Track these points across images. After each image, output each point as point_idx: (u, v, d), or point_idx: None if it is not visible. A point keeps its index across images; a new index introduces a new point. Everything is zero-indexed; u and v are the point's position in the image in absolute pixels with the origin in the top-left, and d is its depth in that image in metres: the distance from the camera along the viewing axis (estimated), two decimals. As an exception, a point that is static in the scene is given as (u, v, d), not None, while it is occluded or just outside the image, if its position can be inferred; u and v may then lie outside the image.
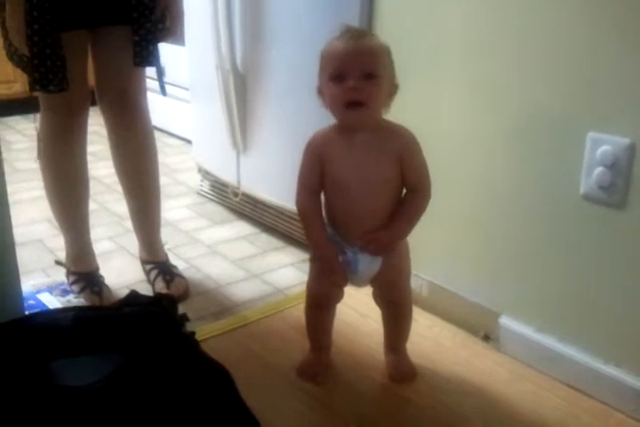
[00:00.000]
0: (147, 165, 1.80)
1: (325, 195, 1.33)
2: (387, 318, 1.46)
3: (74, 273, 1.81)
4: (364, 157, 1.27)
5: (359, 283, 1.39)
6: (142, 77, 1.71)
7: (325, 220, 1.35)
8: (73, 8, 1.54)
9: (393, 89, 1.27)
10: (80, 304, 1.69)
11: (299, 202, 1.34)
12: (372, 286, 1.41)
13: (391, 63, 1.26)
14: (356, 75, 1.20)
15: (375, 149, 1.27)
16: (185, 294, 1.80)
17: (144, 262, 1.90)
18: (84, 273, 1.80)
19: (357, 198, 1.29)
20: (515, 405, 1.38)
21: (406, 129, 1.29)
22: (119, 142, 1.76)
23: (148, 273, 1.87)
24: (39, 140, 1.68)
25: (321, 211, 1.34)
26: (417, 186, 1.31)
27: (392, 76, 1.27)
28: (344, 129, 1.28)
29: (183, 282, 1.84)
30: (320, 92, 1.28)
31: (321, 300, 1.42)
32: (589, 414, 1.35)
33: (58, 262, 1.88)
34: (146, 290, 1.78)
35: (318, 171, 1.30)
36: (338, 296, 1.42)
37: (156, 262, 1.86)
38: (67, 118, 1.64)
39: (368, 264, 1.33)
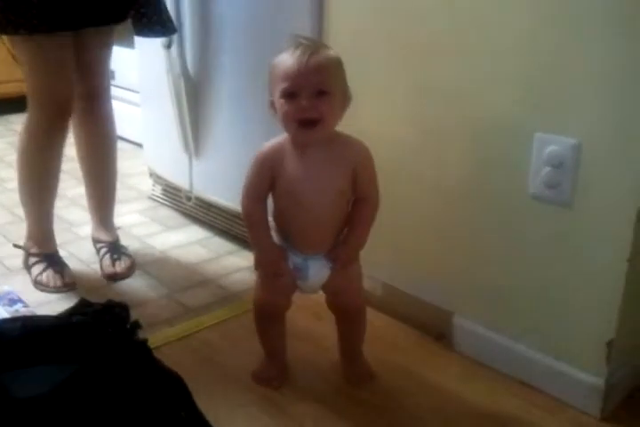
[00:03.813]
0: (110, 149, 1.93)
1: (276, 205, 1.33)
2: (341, 324, 1.45)
3: (35, 255, 1.87)
4: (319, 169, 1.27)
5: (309, 290, 1.39)
6: (108, 73, 1.85)
7: (274, 226, 1.35)
8: (60, 9, 1.55)
9: (346, 100, 1.26)
10: (29, 313, 1.65)
11: (245, 208, 1.34)
12: (325, 292, 1.40)
13: (343, 76, 1.25)
14: (309, 92, 1.19)
15: (329, 161, 1.27)
16: (129, 271, 1.89)
17: (96, 241, 1.99)
18: (46, 254, 1.86)
19: (311, 209, 1.29)
20: (469, 402, 1.40)
21: (360, 141, 1.30)
22: (82, 125, 1.85)
23: (97, 251, 1.97)
24: (23, 135, 1.74)
25: (267, 216, 1.34)
26: (368, 195, 1.32)
27: (344, 88, 1.25)
28: (297, 143, 1.27)
29: (129, 260, 1.93)
30: (272, 105, 1.26)
31: (269, 309, 1.41)
32: (542, 410, 1.38)
33: (16, 246, 1.93)
34: (97, 299, 1.75)
35: (268, 182, 1.30)
36: (285, 305, 1.42)
37: (107, 242, 1.96)
38: (54, 116, 1.70)
39: (318, 270, 1.33)
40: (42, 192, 1.83)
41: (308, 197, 1.28)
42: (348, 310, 1.42)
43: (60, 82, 1.66)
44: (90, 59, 1.75)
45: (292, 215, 1.32)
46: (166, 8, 1.77)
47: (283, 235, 1.35)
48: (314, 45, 1.23)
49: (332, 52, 1.24)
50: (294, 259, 1.34)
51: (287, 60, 1.20)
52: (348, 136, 1.30)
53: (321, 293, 1.42)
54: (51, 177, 1.81)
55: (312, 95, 1.19)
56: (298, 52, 1.19)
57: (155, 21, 1.72)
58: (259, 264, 1.36)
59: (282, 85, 1.20)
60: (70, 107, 1.71)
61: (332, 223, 1.32)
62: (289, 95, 1.20)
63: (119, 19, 1.68)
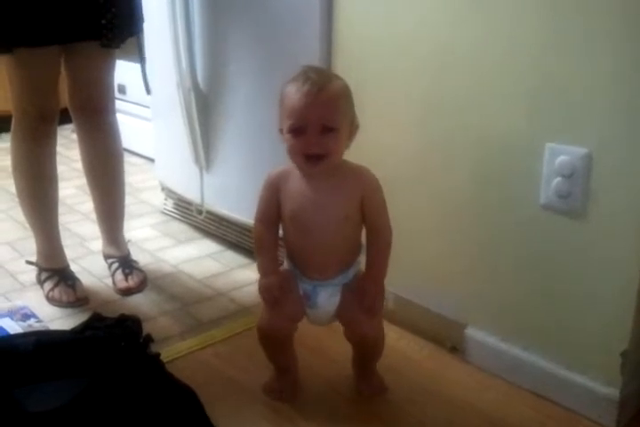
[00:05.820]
0: (114, 163, 1.91)
1: (284, 229, 1.34)
2: (357, 351, 1.42)
3: (46, 270, 1.88)
4: (325, 195, 1.28)
5: (320, 319, 1.38)
6: (112, 83, 1.84)
7: (285, 252, 1.36)
8: (45, 24, 1.58)
9: (353, 129, 1.27)
10: (42, 328, 1.66)
11: (256, 230, 1.35)
12: (341, 322, 1.38)
13: (350, 107, 1.25)
14: (316, 128, 1.19)
15: (336, 187, 1.28)
16: (142, 286, 1.90)
17: (107, 257, 2.00)
18: (57, 269, 1.87)
19: (317, 235, 1.29)
20: (483, 414, 1.39)
21: (367, 170, 1.30)
22: (86, 139, 1.86)
23: (109, 266, 1.97)
24: (12, 144, 1.76)
25: (276, 241, 1.35)
26: (379, 225, 1.32)
27: (352, 118, 1.26)
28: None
29: (141, 275, 1.94)
30: (282, 132, 1.26)
31: (272, 334, 1.37)
32: (556, 421, 1.37)
33: (29, 262, 1.93)
34: (110, 314, 1.76)
35: (276, 206, 1.31)
36: (290, 330, 1.38)
37: (118, 257, 1.96)
38: (38, 123, 1.71)
39: (328, 297, 1.33)
40: (40, 200, 1.82)
41: (312, 222, 1.28)
42: (365, 340, 1.37)
43: (40, 92, 1.67)
44: (80, 72, 1.75)
45: (298, 240, 1.32)
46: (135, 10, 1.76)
47: (292, 260, 1.35)
48: (321, 80, 1.21)
49: (339, 85, 1.24)
50: (303, 286, 1.34)
51: (295, 94, 1.20)
52: (354, 164, 1.31)
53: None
54: (46, 183, 1.81)
55: (319, 131, 1.19)
56: (305, 88, 1.19)
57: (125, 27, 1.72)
58: (259, 289, 1.36)
59: (289, 121, 1.21)
60: (53, 113, 1.72)
61: (338, 248, 1.32)
62: (296, 130, 1.21)
63: (93, 34, 1.67)
